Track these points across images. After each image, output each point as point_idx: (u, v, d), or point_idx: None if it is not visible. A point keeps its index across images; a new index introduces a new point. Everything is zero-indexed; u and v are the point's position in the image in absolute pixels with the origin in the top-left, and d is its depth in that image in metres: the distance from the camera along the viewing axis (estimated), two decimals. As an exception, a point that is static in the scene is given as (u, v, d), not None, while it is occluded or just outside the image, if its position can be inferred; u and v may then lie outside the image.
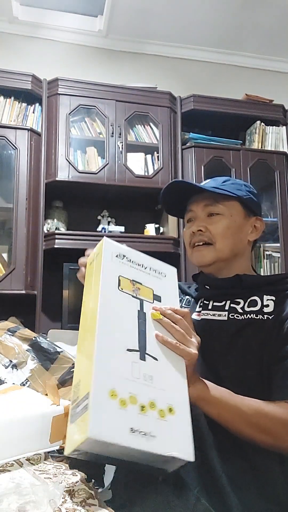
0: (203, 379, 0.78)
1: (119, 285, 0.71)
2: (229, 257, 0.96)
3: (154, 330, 0.71)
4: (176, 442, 0.61)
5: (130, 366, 0.63)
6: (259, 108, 2.99)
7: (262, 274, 2.75)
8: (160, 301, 0.76)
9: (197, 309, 0.97)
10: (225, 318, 0.91)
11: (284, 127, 3.02)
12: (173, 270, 0.85)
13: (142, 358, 0.66)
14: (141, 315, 0.71)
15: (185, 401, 0.67)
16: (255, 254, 2.81)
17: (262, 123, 2.98)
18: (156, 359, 0.68)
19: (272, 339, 0.85)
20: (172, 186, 0.99)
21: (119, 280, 0.72)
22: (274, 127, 3.01)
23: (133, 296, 0.72)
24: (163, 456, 0.59)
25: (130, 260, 0.77)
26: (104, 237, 0.77)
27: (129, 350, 0.65)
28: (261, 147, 2.95)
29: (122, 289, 0.71)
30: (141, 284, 0.75)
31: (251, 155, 2.86)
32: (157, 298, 0.76)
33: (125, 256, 0.76)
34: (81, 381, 0.61)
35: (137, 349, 0.66)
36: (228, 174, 2.79)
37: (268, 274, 2.79)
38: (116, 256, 0.75)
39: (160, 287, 0.78)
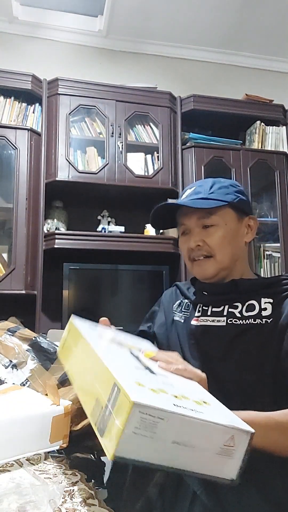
0: None
1: (101, 339, 0.72)
2: (231, 265, 0.96)
3: (153, 364, 0.69)
4: (227, 418, 0.55)
5: (146, 376, 0.60)
6: (259, 108, 2.99)
7: (262, 274, 2.75)
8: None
9: (196, 314, 0.97)
10: (224, 323, 0.91)
11: (284, 127, 3.02)
12: (148, 341, 0.87)
13: (153, 373, 0.63)
14: (135, 356, 0.70)
15: (216, 400, 0.62)
16: (255, 254, 2.81)
17: (262, 123, 2.98)
18: (167, 376, 0.65)
19: (274, 344, 0.84)
20: (161, 208, 0.98)
21: (101, 337, 0.72)
22: (274, 127, 3.01)
23: (119, 345, 0.72)
24: (223, 426, 0.51)
25: (102, 331, 0.79)
26: (72, 314, 0.80)
27: (137, 368, 0.63)
28: (261, 147, 2.95)
29: (105, 340, 0.72)
30: (121, 342, 0.75)
31: (251, 155, 2.86)
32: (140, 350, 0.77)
33: (97, 327, 0.78)
34: (99, 397, 0.56)
35: (145, 368, 0.64)
36: (228, 174, 2.79)
37: (268, 274, 2.79)
38: (88, 326, 0.77)
39: (139, 345, 0.79)
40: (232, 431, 0.53)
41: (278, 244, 2.81)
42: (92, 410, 0.56)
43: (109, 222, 2.81)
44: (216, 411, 0.57)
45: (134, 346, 0.77)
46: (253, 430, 0.54)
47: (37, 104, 2.67)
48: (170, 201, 0.97)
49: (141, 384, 0.54)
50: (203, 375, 0.72)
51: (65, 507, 0.52)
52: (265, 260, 2.84)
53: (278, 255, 2.82)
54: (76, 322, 0.78)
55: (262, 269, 2.82)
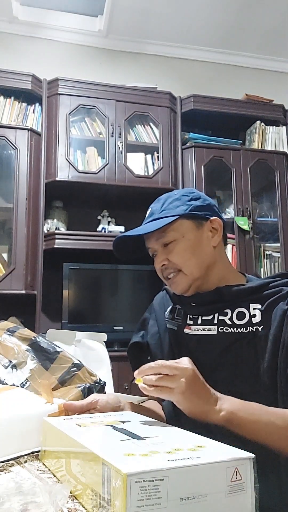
0: (228, 397, 0.76)
1: (79, 426, 0.68)
2: (202, 274, 0.95)
3: (140, 430, 0.66)
4: (225, 453, 0.53)
5: (133, 444, 0.58)
6: (259, 108, 3.00)
7: (262, 274, 2.75)
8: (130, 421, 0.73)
9: (188, 321, 0.97)
10: (215, 332, 0.91)
11: (284, 127, 3.02)
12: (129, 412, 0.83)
13: (140, 439, 0.60)
14: (118, 430, 0.66)
15: (211, 440, 0.61)
16: (255, 254, 2.81)
17: (262, 123, 2.98)
18: (156, 436, 0.62)
19: (268, 358, 0.84)
20: (119, 241, 1.01)
21: (79, 425, 0.69)
22: (274, 127, 3.01)
23: (99, 425, 0.69)
24: (223, 462, 0.51)
25: (77, 420, 0.74)
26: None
27: (122, 440, 0.60)
28: (261, 147, 2.95)
29: (83, 425, 0.68)
30: (101, 421, 0.71)
31: (251, 155, 2.86)
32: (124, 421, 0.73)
33: (72, 418, 0.74)
34: (93, 485, 0.53)
35: (131, 437, 0.61)
36: (228, 174, 2.79)
37: (268, 274, 2.79)
38: (63, 421, 0.73)
39: (121, 418, 0.75)
40: (234, 463, 0.51)
41: (278, 244, 2.81)
42: (91, 504, 0.53)
43: (109, 222, 2.81)
44: (212, 451, 0.55)
45: (116, 420, 0.73)
46: (253, 455, 0.53)
47: (37, 104, 2.67)
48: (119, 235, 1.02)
49: (130, 454, 0.52)
50: (190, 368, 0.73)
51: (67, 507, 0.51)
52: (265, 260, 2.83)
53: (278, 255, 2.82)
54: (50, 420, 0.73)
55: (262, 269, 2.82)
